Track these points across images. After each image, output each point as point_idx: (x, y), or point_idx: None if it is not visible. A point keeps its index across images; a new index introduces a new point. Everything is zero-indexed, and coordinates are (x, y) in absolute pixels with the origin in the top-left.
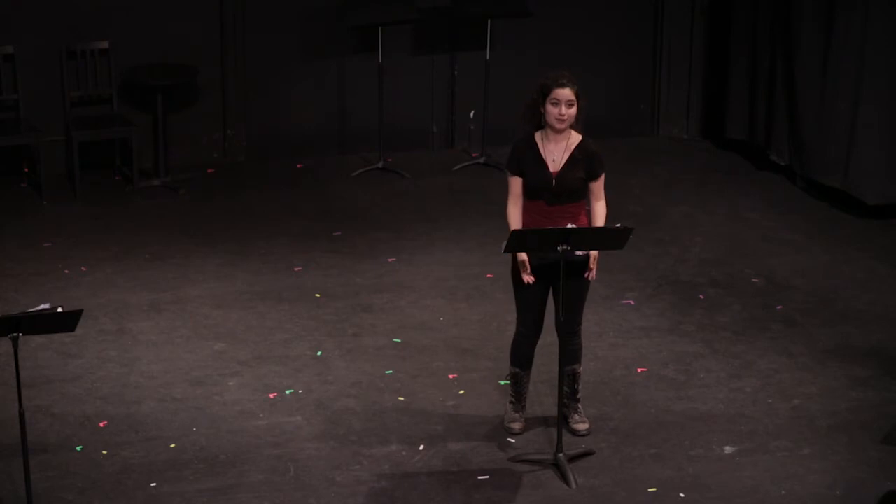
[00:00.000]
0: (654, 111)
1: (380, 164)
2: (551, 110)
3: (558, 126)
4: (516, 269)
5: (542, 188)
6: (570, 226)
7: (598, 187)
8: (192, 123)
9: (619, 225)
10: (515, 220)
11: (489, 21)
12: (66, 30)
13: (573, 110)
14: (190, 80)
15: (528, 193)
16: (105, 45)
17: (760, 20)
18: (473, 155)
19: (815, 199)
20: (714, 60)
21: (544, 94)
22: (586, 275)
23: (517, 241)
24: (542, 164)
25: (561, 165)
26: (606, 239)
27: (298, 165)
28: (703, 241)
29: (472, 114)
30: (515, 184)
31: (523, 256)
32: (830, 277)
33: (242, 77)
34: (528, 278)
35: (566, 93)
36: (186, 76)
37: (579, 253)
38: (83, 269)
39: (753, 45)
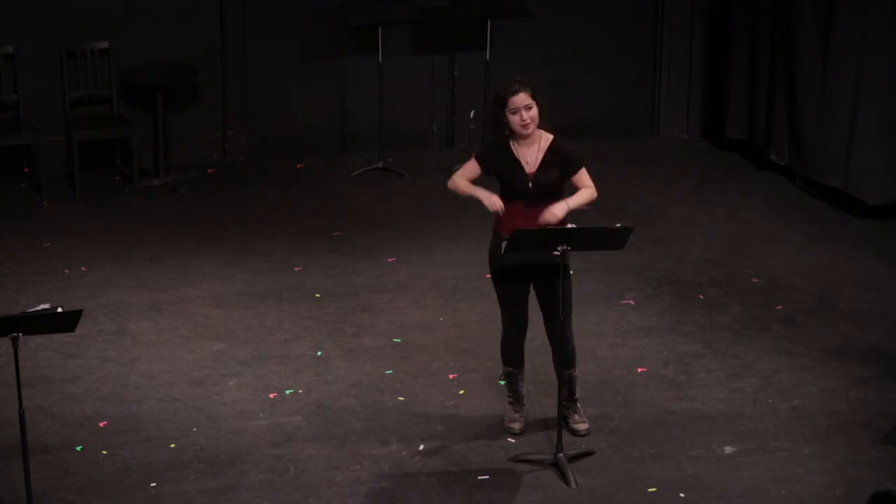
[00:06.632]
0: (654, 111)
1: (380, 164)
2: (513, 119)
3: (524, 132)
4: (496, 269)
5: (519, 190)
6: (570, 225)
7: (579, 180)
8: (192, 123)
9: (619, 225)
10: (464, 184)
11: (489, 21)
12: (66, 30)
13: (533, 112)
14: (190, 80)
15: (506, 194)
16: (105, 45)
17: (760, 20)
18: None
19: (815, 199)
20: (714, 60)
21: (502, 105)
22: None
23: (517, 240)
24: (518, 165)
25: (536, 167)
26: (606, 239)
27: (298, 165)
28: (703, 241)
29: (472, 114)
30: (473, 170)
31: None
32: (830, 277)
33: (242, 77)
34: (497, 202)
35: (521, 98)
36: (186, 76)
37: (555, 253)
38: (83, 269)
39: (753, 45)
